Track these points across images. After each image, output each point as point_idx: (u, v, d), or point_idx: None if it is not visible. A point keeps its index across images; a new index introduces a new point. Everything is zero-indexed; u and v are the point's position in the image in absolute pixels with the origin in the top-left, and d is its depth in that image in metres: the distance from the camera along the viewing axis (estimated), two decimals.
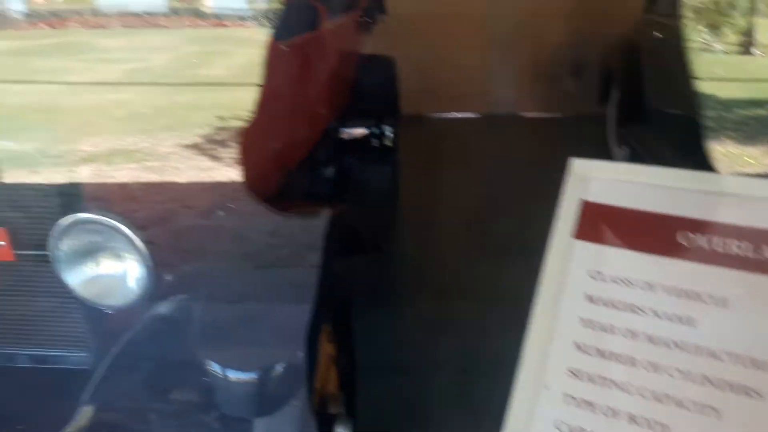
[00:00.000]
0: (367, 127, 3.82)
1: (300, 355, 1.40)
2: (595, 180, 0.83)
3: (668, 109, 4.39)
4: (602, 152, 5.53)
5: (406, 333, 3.12)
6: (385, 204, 3.84)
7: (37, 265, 1.62)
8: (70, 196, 1.56)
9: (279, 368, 1.37)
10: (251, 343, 1.38)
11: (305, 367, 1.39)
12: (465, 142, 6.42)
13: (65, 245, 1.49)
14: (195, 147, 3.59)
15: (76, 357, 1.70)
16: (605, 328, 0.75)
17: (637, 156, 4.74)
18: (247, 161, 2.39)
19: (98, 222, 1.47)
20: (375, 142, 3.86)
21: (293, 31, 2.79)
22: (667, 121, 4.35)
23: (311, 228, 1.80)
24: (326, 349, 1.76)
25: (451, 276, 3.64)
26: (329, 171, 3.46)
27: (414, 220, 4.33)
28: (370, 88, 3.93)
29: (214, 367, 1.37)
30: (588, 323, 0.76)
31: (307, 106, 3.17)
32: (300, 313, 1.50)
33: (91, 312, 1.64)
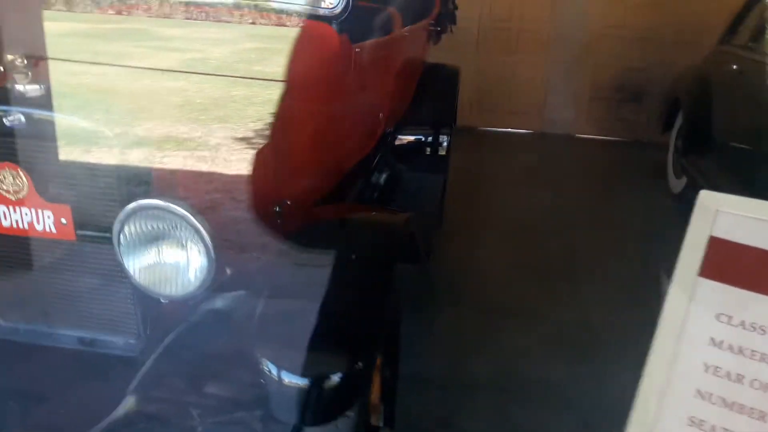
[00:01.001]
0: (423, 134, 3.77)
1: (360, 364, 1.34)
2: (724, 214, 0.75)
3: (737, 143, 4.22)
4: (660, 180, 5.39)
5: (444, 346, 3.05)
6: (432, 212, 3.78)
7: (96, 246, 1.60)
8: (135, 179, 1.54)
9: (337, 376, 1.31)
10: (309, 345, 1.32)
11: (363, 378, 1.33)
12: (518, 158, 6.32)
13: (129, 230, 1.46)
14: (246, 140, 3.60)
15: (125, 343, 1.68)
16: (733, 377, 0.67)
17: (697, 187, 4.55)
18: (300, 159, 2.36)
19: (165, 209, 1.43)
20: (429, 151, 3.82)
21: (366, 34, 2.75)
22: (735, 155, 4.18)
23: (370, 231, 1.74)
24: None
25: (492, 290, 3.57)
26: (382, 176, 3.42)
27: (458, 230, 4.26)
28: (431, 96, 3.88)
29: (269, 368, 1.32)
30: (713, 370, 0.68)
31: (370, 109, 3.13)
32: (359, 318, 1.45)
33: (145, 299, 1.61)
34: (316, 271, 1.54)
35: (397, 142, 3.63)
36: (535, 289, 3.61)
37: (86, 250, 1.61)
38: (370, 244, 1.65)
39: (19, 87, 1.51)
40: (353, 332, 1.40)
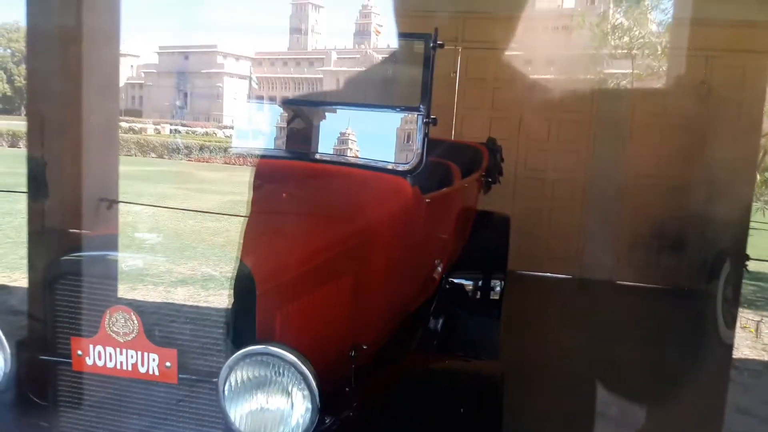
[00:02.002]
0: (476, 279, 3.82)
1: None
2: None
3: None
4: (709, 329, 5.27)
5: None
6: (490, 358, 3.72)
7: (195, 390, 1.61)
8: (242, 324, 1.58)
9: None
10: None
11: None
12: (559, 303, 6.28)
13: (235, 377, 1.48)
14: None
15: None
16: None
17: None
18: (374, 303, 2.40)
19: (275, 355, 1.46)
20: (482, 295, 3.84)
21: (433, 186, 2.91)
22: None
23: (473, 383, 1.72)
24: None
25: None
26: (440, 321, 3.43)
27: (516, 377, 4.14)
28: (484, 241, 3.97)
29: None
30: None
31: (432, 254, 3.22)
32: None
33: None
34: (419, 424, 1.52)
35: (452, 287, 3.67)
36: None
37: (185, 394, 1.62)
38: (476, 397, 1.63)
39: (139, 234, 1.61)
40: None
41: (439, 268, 3.42)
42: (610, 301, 6.47)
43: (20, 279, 5.61)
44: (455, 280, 3.70)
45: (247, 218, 2.05)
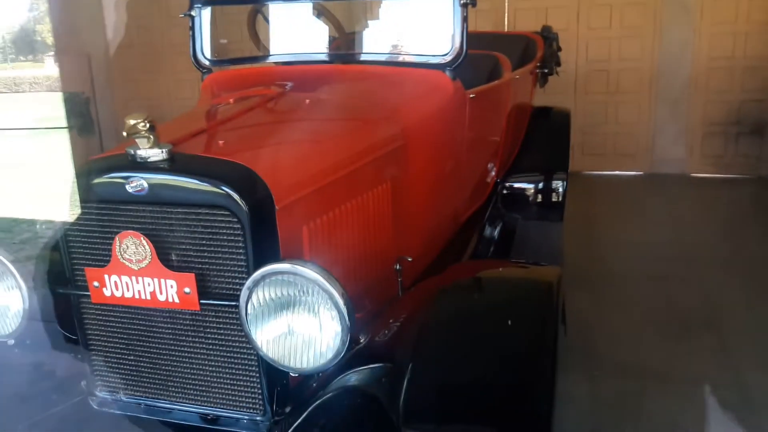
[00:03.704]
0: (536, 181, 3.55)
1: None
2: None
3: None
4: None
5: (592, 419, 2.72)
6: (553, 263, 3.50)
7: (221, 316, 1.49)
8: (262, 242, 1.43)
9: None
10: (469, 425, 1.11)
11: None
12: (630, 201, 5.92)
13: (257, 298, 1.33)
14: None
15: (250, 421, 1.54)
16: None
17: None
18: (418, 212, 2.21)
19: (296, 273, 1.30)
20: (542, 198, 3.58)
21: (477, 80, 2.62)
22: None
23: (525, 290, 1.52)
24: None
25: (631, 350, 3.21)
26: (497, 228, 3.22)
27: (583, 282, 3.93)
28: (542, 140, 3.68)
29: None
30: None
31: (483, 157, 2.97)
32: (526, 392, 1.22)
33: (272, 372, 1.47)
34: (466, 337, 1.34)
35: (508, 191, 3.42)
36: (676, 345, 3.23)
37: (210, 320, 1.50)
38: (529, 304, 1.43)
39: (141, 152, 1.45)
40: (522, 409, 1.18)
41: (492, 172, 3.18)
42: (686, 195, 6.05)
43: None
44: (511, 184, 3.45)
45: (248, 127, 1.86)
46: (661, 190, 6.22)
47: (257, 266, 1.36)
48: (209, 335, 1.52)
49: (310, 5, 2.58)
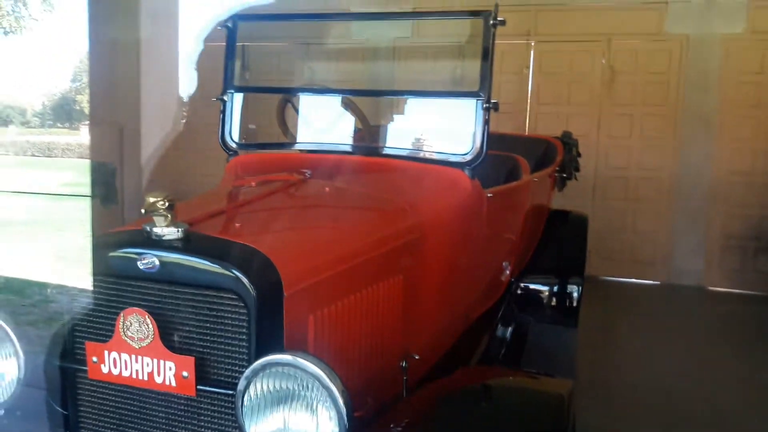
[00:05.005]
0: (551, 284, 3.50)
1: None
2: None
3: None
4: None
5: None
6: (566, 372, 3.39)
7: (216, 404, 1.44)
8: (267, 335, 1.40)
9: None
10: None
11: None
12: (646, 311, 5.80)
13: (255, 389, 1.29)
14: None
15: None
16: None
17: None
18: (430, 307, 2.17)
19: (297, 366, 1.26)
20: (557, 302, 3.52)
21: (496, 180, 2.65)
22: None
23: (530, 404, 1.46)
24: None
25: None
26: (508, 329, 3.15)
27: (595, 394, 3.79)
28: (559, 243, 3.66)
29: None
30: None
31: (498, 256, 2.95)
32: None
33: None
34: None
35: (523, 292, 3.37)
36: None
37: (205, 407, 1.45)
38: (539, 419, 1.37)
39: (157, 229, 1.46)
40: None
41: (507, 271, 3.15)
42: (702, 309, 5.93)
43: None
44: (526, 285, 3.41)
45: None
46: (678, 302, 6.11)
47: (259, 355, 1.32)
48: (203, 423, 1.47)
49: (339, 98, 2.66)
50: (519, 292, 3.34)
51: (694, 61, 6.42)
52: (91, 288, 1.54)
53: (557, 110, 6.85)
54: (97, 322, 1.52)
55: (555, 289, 3.48)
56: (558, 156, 3.90)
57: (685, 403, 3.76)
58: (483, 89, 2.24)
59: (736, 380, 4.11)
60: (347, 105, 2.70)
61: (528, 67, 6.89)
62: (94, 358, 1.47)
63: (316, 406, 1.28)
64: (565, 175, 3.96)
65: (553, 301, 3.50)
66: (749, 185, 6.40)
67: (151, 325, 1.41)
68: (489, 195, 2.42)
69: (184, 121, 7.71)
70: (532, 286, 3.41)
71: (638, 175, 6.74)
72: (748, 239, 6.43)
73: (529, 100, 6.95)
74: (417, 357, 1.92)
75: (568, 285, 3.50)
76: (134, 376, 1.44)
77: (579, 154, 4.37)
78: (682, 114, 6.51)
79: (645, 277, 6.67)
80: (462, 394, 1.55)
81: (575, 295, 3.47)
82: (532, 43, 6.87)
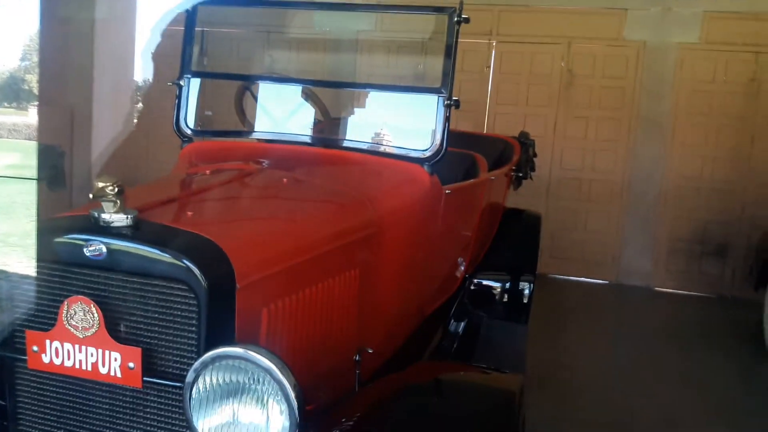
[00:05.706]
0: (503, 281, 3.54)
1: None
2: None
3: None
4: (754, 339, 4.91)
5: None
6: (516, 367, 3.45)
7: (163, 397, 1.40)
8: (217, 323, 1.37)
9: None
10: None
11: None
12: (595, 310, 5.95)
13: (204, 382, 1.26)
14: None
15: None
16: None
17: None
18: (384, 301, 2.17)
19: (248, 359, 1.24)
20: (509, 298, 3.57)
21: (454, 177, 2.66)
22: None
23: (483, 398, 1.47)
24: None
25: None
26: (461, 324, 3.18)
27: (544, 388, 3.86)
28: (512, 241, 3.70)
29: None
30: None
31: (454, 252, 2.97)
32: None
33: None
34: None
35: (476, 288, 3.41)
36: None
37: (151, 399, 1.41)
38: (488, 415, 1.38)
39: (105, 216, 1.40)
40: None
41: (462, 267, 3.17)
42: (648, 309, 6.11)
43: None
44: (480, 281, 3.44)
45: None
46: (626, 301, 6.28)
47: (209, 347, 1.29)
48: (149, 416, 1.43)
49: (299, 88, 2.62)
50: (472, 288, 3.37)
51: (650, 68, 6.58)
52: (34, 274, 1.48)
53: (515, 110, 6.93)
54: (39, 310, 1.46)
55: (507, 286, 3.52)
56: (515, 155, 3.94)
57: (629, 399, 3.86)
58: (445, 86, 2.25)
59: (679, 377, 4.26)
60: (308, 95, 2.67)
61: (489, 67, 6.95)
62: (35, 347, 1.41)
63: (267, 400, 1.25)
64: (521, 175, 4.02)
65: (506, 298, 3.54)
66: (697, 190, 6.61)
67: (96, 314, 1.36)
68: (447, 191, 2.43)
69: (138, 105, 7.51)
70: (485, 283, 3.44)
71: (591, 177, 6.88)
72: (695, 242, 6.64)
73: (488, 100, 7.01)
74: (371, 351, 1.92)
75: (520, 282, 3.54)
76: (77, 366, 1.39)
77: (535, 155, 4.43)
78: (636, 119, 6.68)
79: (594, 277, 6.83)
80: (414, 389, 1.55)
81: (527, 292, 3.52)
82: (494, 43, 6.93)
